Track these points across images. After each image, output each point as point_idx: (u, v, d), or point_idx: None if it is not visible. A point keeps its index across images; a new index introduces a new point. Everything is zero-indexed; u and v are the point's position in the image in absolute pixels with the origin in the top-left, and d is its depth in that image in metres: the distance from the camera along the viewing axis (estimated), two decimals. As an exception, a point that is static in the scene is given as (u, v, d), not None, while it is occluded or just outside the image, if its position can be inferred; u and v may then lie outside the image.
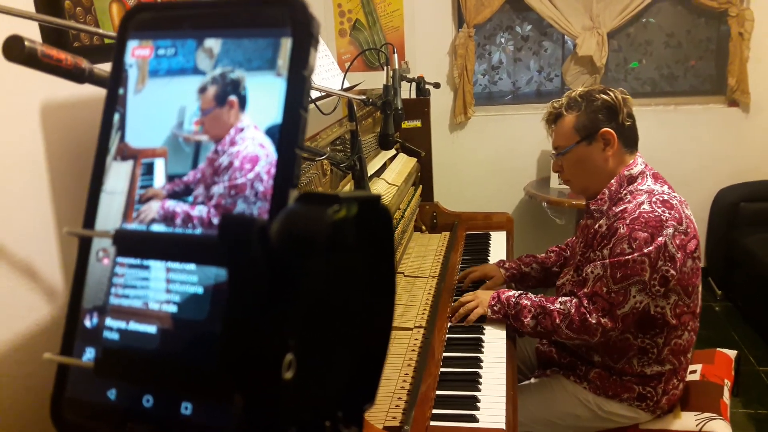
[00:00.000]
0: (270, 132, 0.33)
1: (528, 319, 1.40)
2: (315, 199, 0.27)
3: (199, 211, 0.34)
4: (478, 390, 1.21)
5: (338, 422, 0.29)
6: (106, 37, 1.07)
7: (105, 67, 0.63)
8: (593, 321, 1.32)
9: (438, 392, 1.20)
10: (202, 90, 0.34)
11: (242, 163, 0.32)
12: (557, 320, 1.36)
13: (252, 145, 0.33)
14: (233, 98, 0.34)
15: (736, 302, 2.94)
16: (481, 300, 1.48)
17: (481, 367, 1.29)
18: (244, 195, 0.32)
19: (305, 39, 0.32)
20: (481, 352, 1.35)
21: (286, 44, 0.33)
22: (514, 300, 1.44)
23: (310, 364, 0.27)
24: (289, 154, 0.31)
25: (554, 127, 1.49)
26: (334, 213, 0.26)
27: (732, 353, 1.69)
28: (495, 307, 1.45)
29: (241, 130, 0.33)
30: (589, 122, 1.42)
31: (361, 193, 0.29)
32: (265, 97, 0.33)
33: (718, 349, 1.71)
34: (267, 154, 0.32)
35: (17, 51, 0.58)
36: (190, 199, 0.34)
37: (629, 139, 1.44)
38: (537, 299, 1.42)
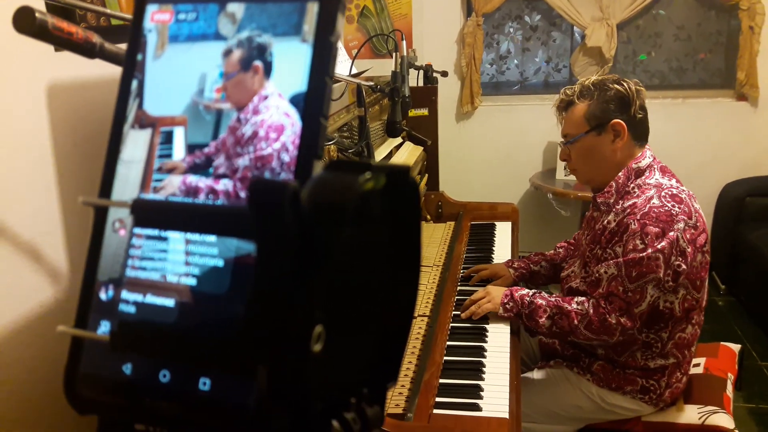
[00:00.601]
0: (294, 100, 0.31)
1: (543, 319, 1.37)
2: (346, 167, 0.26)
3: (225, 185, 0.32)
4: (482, 379, 1.21)
5: (363, 399, 0.28)
6: (114, 17, 1.06)
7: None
8: (613, 321, 1.30)
9: (441, 381, 1.19)
10: (227, 53, 0.33)
11: (267, 132, 0.31)
12: (575, 321, 1.34)
13: (277, 114, 0.31)
14: (258, 63, 0.32)
15: (739, 297, 2.93)
16: (492, 297, 1.44)
17: (484, 357, 1.29)
18: (271, 166, 0.31)
19: (332, 3, 0.31)
20: (485, 342, 1.35)
21: (312, 9, 0.31)
22: (528, 299, 1.40)
23: (335, 339, 0.27)
24: (314, 124, 0.30)
25: (565, 115, 1.47)
26: (365, 182, 0.25)
27: (736, 347, 1.69)
28: (507, 305, 1.41)
29: (265, 97, 0.32)
30: (601, 112, 1.39)
31: (390, 164, 0.28)
32: (290, 63, 0.32)
33: (722, 342, 1.70)
34: (292, 123, 0.31)
35: (28, 22, 0.56)
36: (211, 170, 0.33)
37: (640, 132, 1.42)
38: (552, 299, 1.39)
